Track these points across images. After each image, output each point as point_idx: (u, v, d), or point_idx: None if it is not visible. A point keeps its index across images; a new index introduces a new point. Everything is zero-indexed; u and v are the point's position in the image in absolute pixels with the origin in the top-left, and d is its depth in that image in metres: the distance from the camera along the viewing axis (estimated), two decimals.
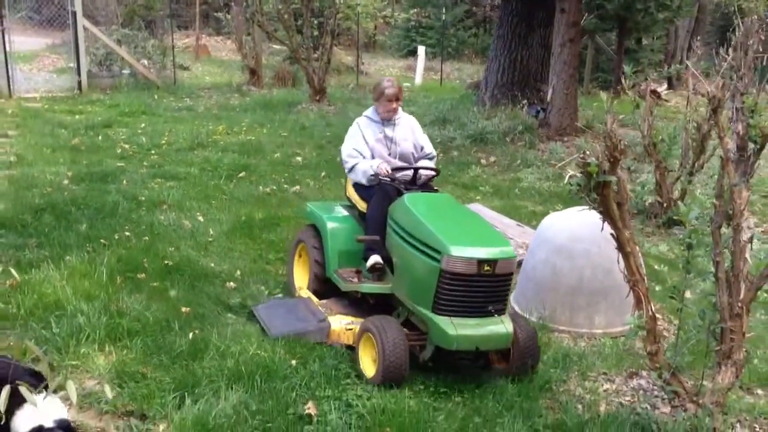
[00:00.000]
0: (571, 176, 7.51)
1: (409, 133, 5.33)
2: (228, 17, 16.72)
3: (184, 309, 4.92)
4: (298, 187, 8.45)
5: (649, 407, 4.26)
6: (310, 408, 3.85)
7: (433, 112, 12.58)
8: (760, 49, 4.52)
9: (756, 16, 4.25)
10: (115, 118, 12.09)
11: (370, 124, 5.29)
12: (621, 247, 4.18)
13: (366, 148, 5.20)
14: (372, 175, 5.05)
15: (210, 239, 6.51)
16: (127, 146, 10.13)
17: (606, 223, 4.16)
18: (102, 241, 6.09)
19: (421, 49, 21.11)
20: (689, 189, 7.62)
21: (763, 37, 4.61)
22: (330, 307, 4.98)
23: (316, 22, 14.53)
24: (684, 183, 7.59)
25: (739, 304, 4.21)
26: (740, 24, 4.49)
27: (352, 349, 4.55)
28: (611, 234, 4.20)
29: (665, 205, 7.74)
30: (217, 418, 3.66)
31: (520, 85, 12.25)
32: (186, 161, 9.45)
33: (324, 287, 5.17)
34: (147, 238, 6.33)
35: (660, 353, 4.28)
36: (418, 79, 20.10)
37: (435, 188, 5.23)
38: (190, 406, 3.76)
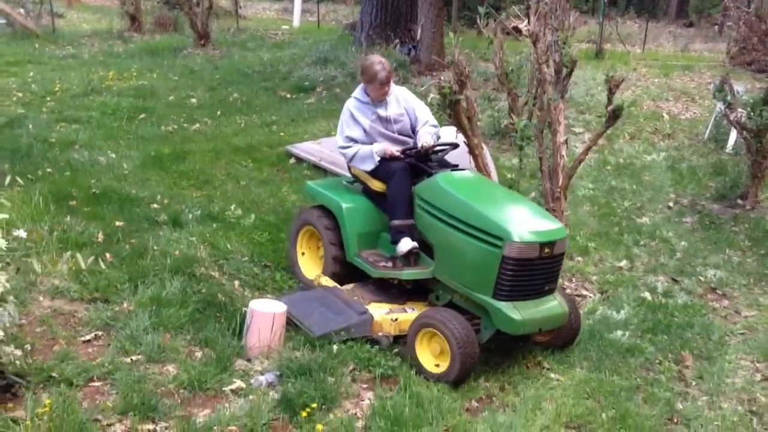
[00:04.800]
0: (432, 98, 8.77)
1: (403, 107, 5.12)
2: None
3: (118, 223, 5.82)
4: (197, 125, 9.26)
5: None
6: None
7: (314, 53, 13.47)
8: None
9: None
10: (2, 68, 12.24)
11: (360, 107, 5.06)
12: (471, 150, 5.47)
13: (360, 132, 5.00)
14: (379, 160, 4.89)
15: (126, 172, 7.30)
16: (21, 94, 10.46)
17: (460, 132, 5.42)
18: (28, 176, 6.78)
19: None
20: (535, 111, 9.05)
21: None
22: (360, 295, 4.81)
23: None
24: (531, 107, 9.01)
25: (558, 190, 5.65)
26: None
27: (395, 339, 4.54)
28: (464, 141, 5.47)
29: (513, 126, 9.17)
30: (167, 296, 4.69)
31: (392, 25, 13.31)
32: (84, 106, 9.95)
33: (343, 270, 5.02)
34: (68, 173, 7.04)
35: None
36: (296, 22, 20.73)
37: (455, 164, 5.07)
38: (143, 290, 4.76)
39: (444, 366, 4.22)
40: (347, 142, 5.02)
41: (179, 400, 3.80)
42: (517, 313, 4.19)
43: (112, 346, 4.18)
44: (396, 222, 4.71)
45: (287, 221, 6.33)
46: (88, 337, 4.28)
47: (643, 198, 7.56)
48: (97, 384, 3.84)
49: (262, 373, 4.11)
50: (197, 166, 7.68)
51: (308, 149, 8.25)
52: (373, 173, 4.96)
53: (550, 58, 5.71)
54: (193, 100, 10.68)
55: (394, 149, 4.91)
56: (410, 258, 4.67)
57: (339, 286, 4.91)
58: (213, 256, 5.41)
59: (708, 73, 14.23)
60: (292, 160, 8.09)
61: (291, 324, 4.58)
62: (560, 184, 5.59)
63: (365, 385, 4.17)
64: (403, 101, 5.15)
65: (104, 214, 6.06)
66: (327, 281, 4.97)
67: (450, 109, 5.21)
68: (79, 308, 4.60)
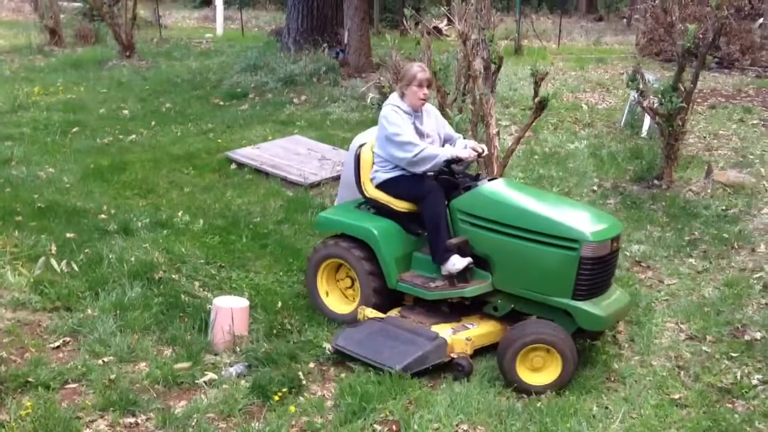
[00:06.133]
0: (372, 97, 9.04)
1: (435, 124, 5.04)
2: None
3: (69, 235, 5.89)
4: (133, 136, 9.29)
5: None
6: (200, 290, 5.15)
7: (243, 60, 13.59)
8: None
9: None
10: None
11: (402, 114, 4.85)
12: None
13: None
14: (450, 161, 4.74)
15: (68, 185, 7.33)
16: None
17: None
18: None
19: None
20: (464, 106, 9.48)
21: None
22: (415, 320, 4.68)
23: None
24: (459, 102, 9.43)
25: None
26: None
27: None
28: None
29: (448, 122, 9.58)
30: (130, 300, 4.85)
31: (319, 30, 13.56)
32: (14, 123, 9.83)
33: (385, 300, 4.85)
34: (9, 189, 7.03)
35: None
36: (219, 30, 20.70)
37: (478, 173, 5.06)
38: (105, 297, 4.90)
39: (549, 377, 4.27)
40: (412, 140, 4.73)
41: (155, 395, 3.98)
42: (599, 309, 4.34)
43: (82, 350, 4.33)
44: (453, 241, 4.58)
45: (236, 224, 6.53)
46: (57, 344, 4.40)
47: (570, 183, 8.05)
48: (73, 386, 3.99)
49: (231, 365, 4.33)
50: (139, 176, 7.76)
51: (248, 154, 8.44)
52: (400, 193, 4.86)
53: (477, 55, 6.09)
54: (126, 112, 10.68)
55: (482, 147, 4.93)
56: (467, 274, 4.62)
57: (385, 315, 4.74)
58: (170, 261, 5.56)
59: (620, 64, 15.05)
60: (233, 166, 8.25)
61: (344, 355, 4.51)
62: (495, 173, 5.98)
63: (329, 369, 4.44)
64: (435, 118, 5.08)
65: (52, 227, 6.12)
66: (372, 312, 4.77)
67: None
68: (42, 318, 4.71)
